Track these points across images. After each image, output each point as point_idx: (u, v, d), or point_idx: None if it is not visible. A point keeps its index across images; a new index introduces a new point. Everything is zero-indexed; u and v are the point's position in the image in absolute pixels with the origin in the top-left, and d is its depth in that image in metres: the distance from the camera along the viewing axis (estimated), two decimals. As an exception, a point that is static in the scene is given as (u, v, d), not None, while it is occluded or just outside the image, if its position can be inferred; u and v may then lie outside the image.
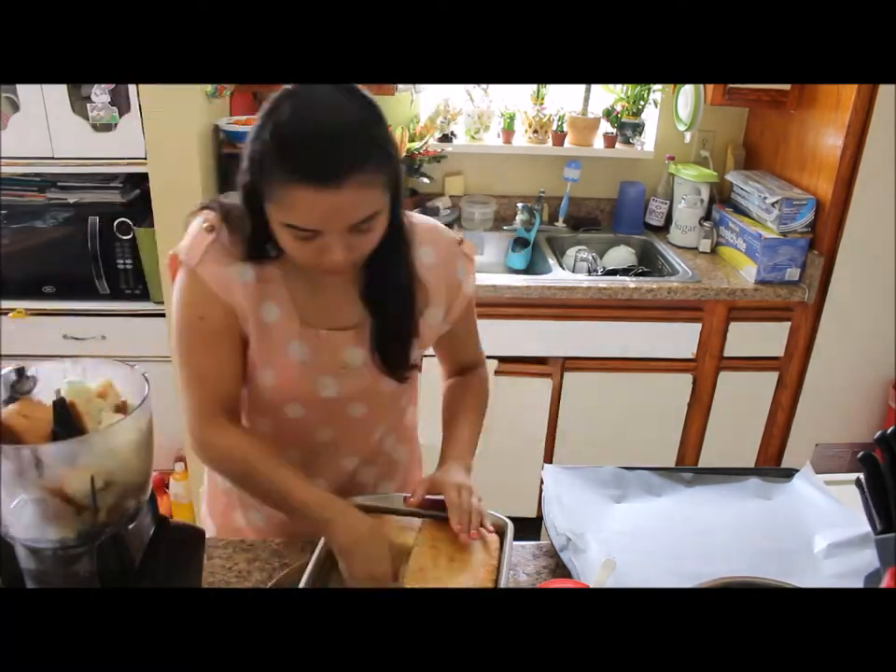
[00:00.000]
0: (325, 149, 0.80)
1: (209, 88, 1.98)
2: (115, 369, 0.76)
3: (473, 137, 2.57)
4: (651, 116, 2.61)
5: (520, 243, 2.47)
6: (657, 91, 2.55)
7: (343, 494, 1.03)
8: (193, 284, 0.94)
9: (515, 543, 1.08)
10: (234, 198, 0.94)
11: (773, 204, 2.20)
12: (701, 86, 2.31)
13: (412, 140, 2.43)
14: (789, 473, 1.18)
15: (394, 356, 1.02)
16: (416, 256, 1.01)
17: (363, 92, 0.85)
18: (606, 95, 2.59)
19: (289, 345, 0.98)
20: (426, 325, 1.04)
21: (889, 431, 0.84)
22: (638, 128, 2.58)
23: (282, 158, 0.81)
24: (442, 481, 0.98)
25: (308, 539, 1.05)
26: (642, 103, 2.57)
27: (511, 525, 0.98)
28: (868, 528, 0.88)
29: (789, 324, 2.28)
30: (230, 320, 0.96)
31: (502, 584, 0.89)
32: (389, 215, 0.90)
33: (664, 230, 2.60)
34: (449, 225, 2.55)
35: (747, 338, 2.28)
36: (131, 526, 0.77)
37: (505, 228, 2.55)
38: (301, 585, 0.87)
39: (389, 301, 0.99)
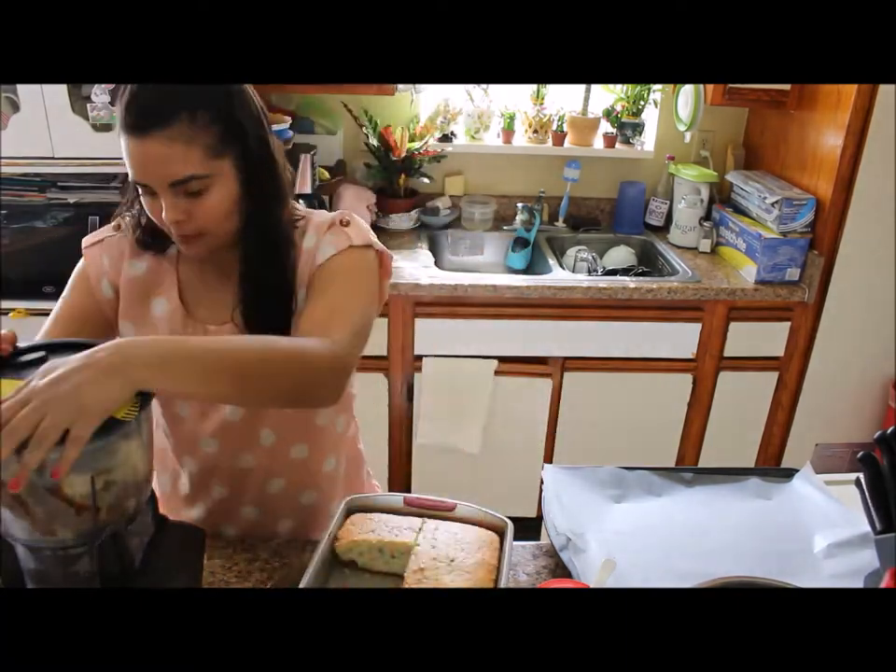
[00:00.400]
0: (138, 99, 0.84)
1: (209, 88, 1.98)
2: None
3: (473, 137, 2.57)
4: (651, 116, 2.61)
5: (520, 243, 2.47)
6: (657, 91, 2.55)
7: (241, 497, 1.08)
8: (79, 267, 1.06)
9: (515, 543, 1.08)
10: None
11: (773, 204, 2.20)
12: (701, 86, 2.31)
13: (412, 140, 2.43)
14: (789, 473, 1.18)
15: None
16: (301, 245, 0.99)
17: None
18: (606, 95, 2.59)
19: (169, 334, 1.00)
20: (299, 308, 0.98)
21: (888, 431, 0.84)
22: (638, 128, 2.58)
23: (118, 112, 0.87)
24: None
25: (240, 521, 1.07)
26: (642, 103, 2.57)
27: (511, 525, 0.98)
28: (868, 528, 0.88)
29: (789, 324, 2.28)
30: (87, 307, 1.03)
31: (502, 584, 0.89)
32: (247, 192, 0.91)
33: (664, 230, 2.60)
34: (449, 225, 2.56)
35: (747, 338, 2.28)
36: (131, 526, 0.77)
37: (505, 228, 2.55)
38: (302, 585, 0.87)
39: (259, 298, 0.97)
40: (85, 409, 0.65)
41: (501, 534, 0.98)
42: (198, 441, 1.05)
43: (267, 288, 0.97)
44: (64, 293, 1.05)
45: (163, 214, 0.89)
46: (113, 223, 1.05)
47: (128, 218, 1.02)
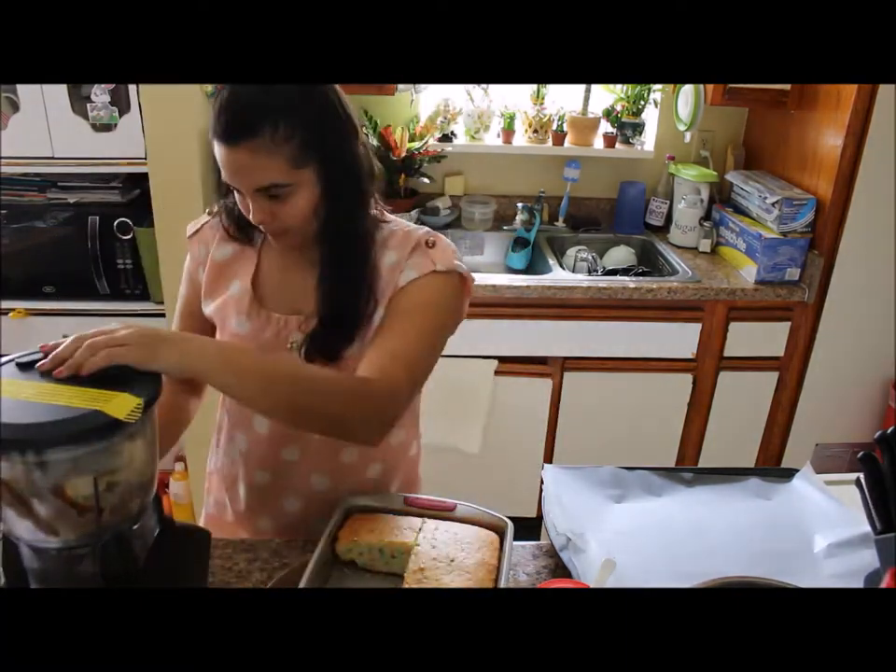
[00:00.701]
0: (226, 111, 0.89)
1: (209, 88, 1.98)
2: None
3: (473, 137, 2.57)
4: (650, 116, 2.61)
5: (520, 243, 2.48)
6: (657, 91, 2.55)
7: (293, 476, 1.09)
8: (188, 260, 1.12)
9: (515, 543, 1.08)
10: None
11: (773, 204, 2.20)
12: (701, 86, 2.31)
13: (412, 140, 2.43)
14: (789, 473, 1.18)
15: (324, 345, 0.99)
16: (382, 259, 1.01)
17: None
18: (606, 95, 2.59)
19: (236, 318, 1.05)
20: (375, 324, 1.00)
21: (888, 431, 0.84)
22: (638, 128, 2.58)
23: (210, 118, 0.91)
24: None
25: (281, 512, 1.07)
26: (642, 103, 2.57)
27: (511, 525, 0.98)
28: (868, 528, 0.88)
29: (789, 324, 2.28)
30: (197, 301, 1.11)
31: (502, 584, 0.89)
32: (329, 197, 0.94)
33: (664, 230, 2.60)
34: (449, 225, 2.56)
35: (747, 338, 2.28)
36: (135, 527, 0.77)
37: (505, 228, 2.55)
38: (301, 585, 0.87)
39: (334, 296, 0.99)
40: (136, 348, 0.77)
41: (501, 534, 0.98)
42: (251, 419, 1.08)
43: (342, 289, 0.99)
44: (181, 289, 1.14)
45: (250, 215, 0.95)
46: (209, 209, 1.11)
47: (222, 205, 1.06)
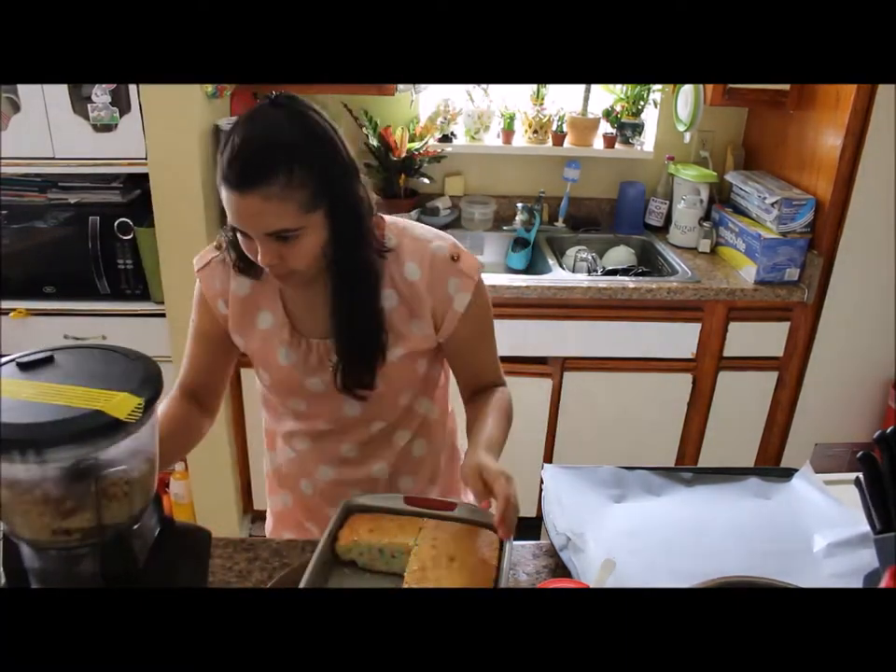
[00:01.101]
0: (238, 158, 0.90)
1: (209, 88, 1.99)
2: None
3: (473, 137, 2.57)
4: (650, 116, 2.61)
5: (520, 243, 2.48)
6: (657, 92, 2.55)
7: (348, 484, 1.16)
8: (198, 288, 1.13)
9: (515, 543, 1.08)
10: None
11: (772, 205, 2.20)
12: (701, 86, 2.31)
13: (412, 140, 2.43)
14: (788, 473, 1.18)
15: (353, 374, 1.05)
16: (400, 271, 1.05)
17: (319, 119, 0.95)
18: (605, 95, 2.59)
19: (279, 350, 1.09)
20: (414, 334, 1.07)
21: (888, 431, 0.85)
22: (638, 128, 2.59)
23: (220, 163, 0.92)
24: (488, 466, 0.95)
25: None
26: (642, 103, 2.57)
27: None
28: (867, 528, 0.89)
29: (788, 324, 2.28)
30: (212, 326, 1.13)
31: (502, 584, 0.89)
32: (337, 236, 0.97)
33: (663, 230, 2.60)
34: (449, 225, 2.56)
35: (746, 338, 2.29)
36: (135, 527, 0.77)
37: (505, 228, 2.55)
38: (301, 585, 0.87)
39: (352, 323, 1.03)
40: None
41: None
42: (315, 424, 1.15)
43: (354, 316, 1.03)
44: (192, 314, 1.15)
45: (258, 257, 0.95)
46: (215, 242, 1.11)
47: (228, 241, 1.07)
